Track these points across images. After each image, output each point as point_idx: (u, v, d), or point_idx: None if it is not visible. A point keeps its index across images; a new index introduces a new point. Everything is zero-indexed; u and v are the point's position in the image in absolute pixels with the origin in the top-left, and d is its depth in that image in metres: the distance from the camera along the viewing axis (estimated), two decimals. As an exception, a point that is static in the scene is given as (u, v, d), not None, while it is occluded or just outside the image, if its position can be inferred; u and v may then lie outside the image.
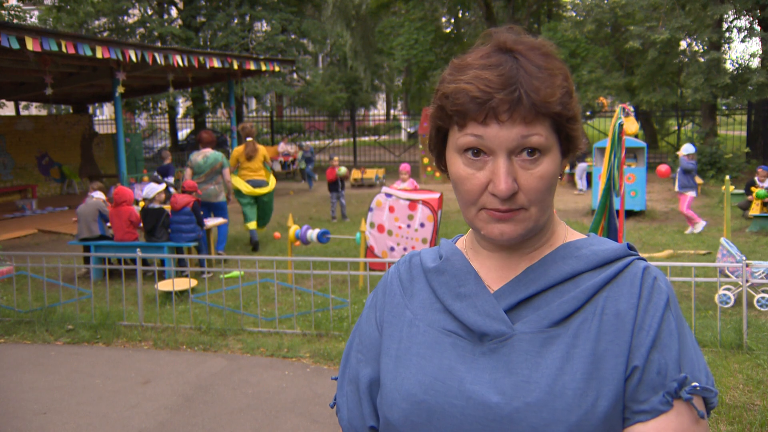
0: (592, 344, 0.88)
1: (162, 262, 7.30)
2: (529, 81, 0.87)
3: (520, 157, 0.89)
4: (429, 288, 1.04)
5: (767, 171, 10.51)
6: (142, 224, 7.67)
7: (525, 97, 0.86)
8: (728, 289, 6.08)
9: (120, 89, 10.94)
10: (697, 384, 0.86)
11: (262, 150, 9.52)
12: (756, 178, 10.58)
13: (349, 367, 1.09)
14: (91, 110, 20.70)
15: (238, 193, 9.35)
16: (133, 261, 6.34)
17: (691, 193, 9.96)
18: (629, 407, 0.87)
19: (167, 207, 7.94)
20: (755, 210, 10.11)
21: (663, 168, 10.26)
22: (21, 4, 18.58)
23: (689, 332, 0.92)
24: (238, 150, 9.43)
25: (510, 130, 0.87)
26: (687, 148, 10.20)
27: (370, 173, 17.81)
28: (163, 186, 7.82)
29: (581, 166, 15.30)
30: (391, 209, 7.46)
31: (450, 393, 0.92)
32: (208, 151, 9.08)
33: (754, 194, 10.10)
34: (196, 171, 9.08)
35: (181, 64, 11.39)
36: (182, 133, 27.92)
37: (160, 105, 24.14)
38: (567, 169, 13.48)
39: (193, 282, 6.79)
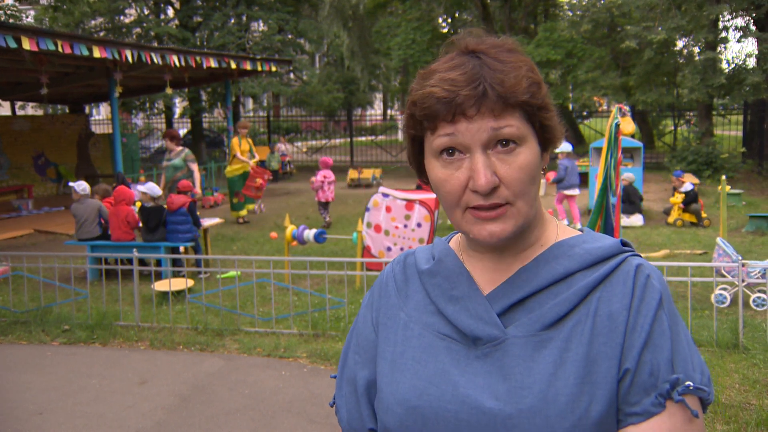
0: (585, 347, 0.87)
1: (158, 263, 7.29)
2: (493, 75, 0.87)
3: (495, 150, 0.88)
4: (423, 290, 1.03)
5: (678, 177, 10.57)
6: (141, 224, 7.65)
7: (490, 89, 0.87)
8: (724, 289, 6.10)
9: (118, 89, 10.96)
10: (690, 383, 0.85)
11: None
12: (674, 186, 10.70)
13: (347, 367, 1.08)
14: (87, 110, 20.64)
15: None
16: (130, 261, 6.33)
17: (569, 192, 9.81)
18: (622, 409, 0.87)
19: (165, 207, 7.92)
20: (674, 215, 10.38)
21: (550, 174, 10.10)
22: (17, 4, 18.55)
23: (683, 329, 0.91)
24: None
25: (480, 124, 0.87)
26: (564, 147, 9.75)
27: (367, 173, 17.78)
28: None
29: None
30: (388, 209, 7.46)
31: (444, 397, 0.91)
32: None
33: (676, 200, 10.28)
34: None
35: (177, 64, 11.39)
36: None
37: (156, 105, 24.09)
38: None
39: (190, 282, 6.78)
